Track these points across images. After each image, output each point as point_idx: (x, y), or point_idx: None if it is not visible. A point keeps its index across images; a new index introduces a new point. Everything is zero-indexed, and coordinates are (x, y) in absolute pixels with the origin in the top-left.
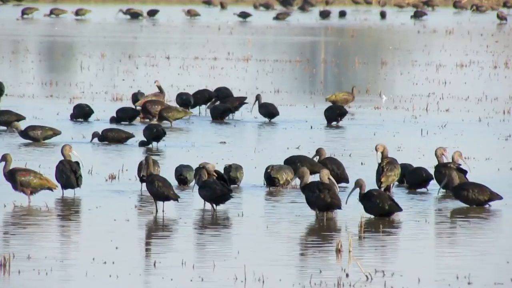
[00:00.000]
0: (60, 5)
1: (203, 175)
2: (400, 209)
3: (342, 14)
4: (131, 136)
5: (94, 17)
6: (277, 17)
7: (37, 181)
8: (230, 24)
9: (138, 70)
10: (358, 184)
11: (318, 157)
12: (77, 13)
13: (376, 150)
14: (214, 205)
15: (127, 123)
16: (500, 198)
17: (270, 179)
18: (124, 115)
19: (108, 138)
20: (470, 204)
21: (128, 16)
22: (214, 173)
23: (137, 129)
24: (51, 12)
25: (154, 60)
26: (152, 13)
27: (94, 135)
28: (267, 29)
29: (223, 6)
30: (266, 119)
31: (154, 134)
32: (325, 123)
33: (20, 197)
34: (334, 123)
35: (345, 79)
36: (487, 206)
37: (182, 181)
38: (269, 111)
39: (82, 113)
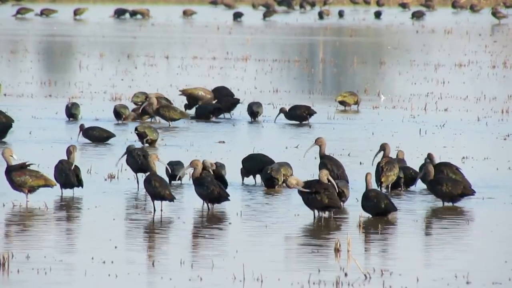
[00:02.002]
0: (58, 5)
1: (199, 168)
2: (395, 209)
3: (340, 14)
4: (111, 135)
5: (92, 17)
6: (264, 16)
7: (33, 180)
8: (229, 24)
9: (137, 70)
10: (382, 147)
11: (318, 147)
12: (75, 13)
13: (383, 148)
14: (210, 205)
15: (120, 121)
16: (473, 193)
17: (270, 180)
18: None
19: (90, 136)
20: (444, 199)
21: (116, 15)
22: (211, 170)
23: (123, 130)
24: (42, 13)
25: (153, 60)
26: (137, 13)
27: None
28: (266, 29)
29: (229, 6)
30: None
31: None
32: (324, 123)
33: (19, 196)
34: (306, 121)
35: (344, 78)
36: (459, 204)
37: (173, 177)
38: (251, 109)
39: (67, 113)
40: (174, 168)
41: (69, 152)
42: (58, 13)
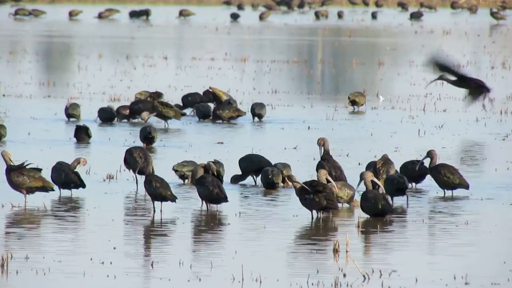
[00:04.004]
0: (56, 6)
1: (199, 171)
2: (392, 211)
3: (339, 15)
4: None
5: (91, 17)
6: (260, 17)
7: (31, 182)
8: (227, 24)
9: (136, 71)
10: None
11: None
12: (71, 13)
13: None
14: (208, 205)
15: (107, 123)
16: (407, 187)
17: (271, 184)
18: (104, 116)
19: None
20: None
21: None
22: (215, 172)
23: (122, 130)
24: (29, 13)
25: (152, 61)
26: (138, 13)
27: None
28: (264, 30)
29: (240, 7)
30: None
31: (142, 136)
32: (323, 123)
33: (18, 197)
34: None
35: (343, 79)
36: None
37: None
38: (254, 111)
39: (67, 113)
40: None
41: (76, 161)
42: (47, 14)
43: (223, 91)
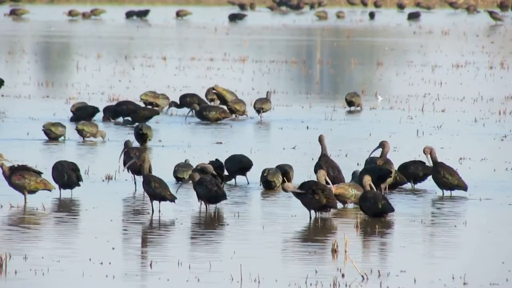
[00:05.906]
0: (55, 6)
1: (195, 176)
2: (392, 209)
3: (338, 15)
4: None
5: (90, 18)
6: (236, 17)
7: (32, 185)
8: (226, 24)
9: (134, 71)
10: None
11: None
12: (70, 13)
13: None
14: (207, 204)
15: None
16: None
17: (267, 183)
18: (82, 113)
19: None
20: None
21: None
22: (213, 172)
23: (120, 130)
24: (11, 12)
25: (151, 61)
26: (136, 13)
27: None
28: (263, 30)
29: (243, 7)
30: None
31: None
32: (321, 123)
33: (17, 197)
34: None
35: (341, 79)
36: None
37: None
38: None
39: (71, 110)
40: (178, 170)
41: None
42: (30, 13)
43: (227, 90)
